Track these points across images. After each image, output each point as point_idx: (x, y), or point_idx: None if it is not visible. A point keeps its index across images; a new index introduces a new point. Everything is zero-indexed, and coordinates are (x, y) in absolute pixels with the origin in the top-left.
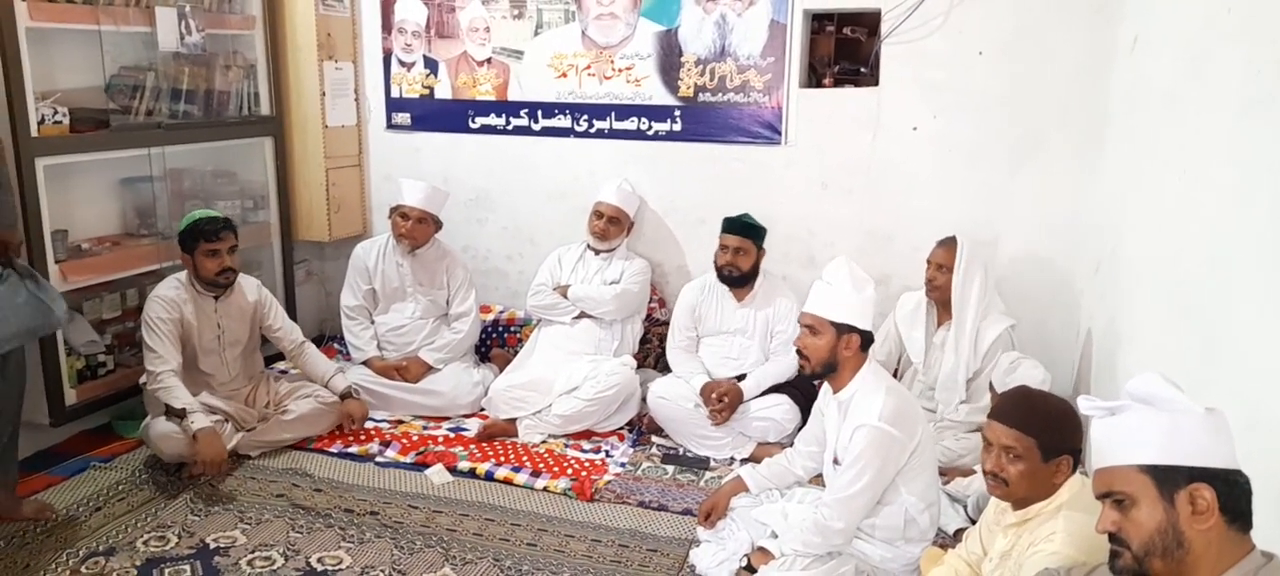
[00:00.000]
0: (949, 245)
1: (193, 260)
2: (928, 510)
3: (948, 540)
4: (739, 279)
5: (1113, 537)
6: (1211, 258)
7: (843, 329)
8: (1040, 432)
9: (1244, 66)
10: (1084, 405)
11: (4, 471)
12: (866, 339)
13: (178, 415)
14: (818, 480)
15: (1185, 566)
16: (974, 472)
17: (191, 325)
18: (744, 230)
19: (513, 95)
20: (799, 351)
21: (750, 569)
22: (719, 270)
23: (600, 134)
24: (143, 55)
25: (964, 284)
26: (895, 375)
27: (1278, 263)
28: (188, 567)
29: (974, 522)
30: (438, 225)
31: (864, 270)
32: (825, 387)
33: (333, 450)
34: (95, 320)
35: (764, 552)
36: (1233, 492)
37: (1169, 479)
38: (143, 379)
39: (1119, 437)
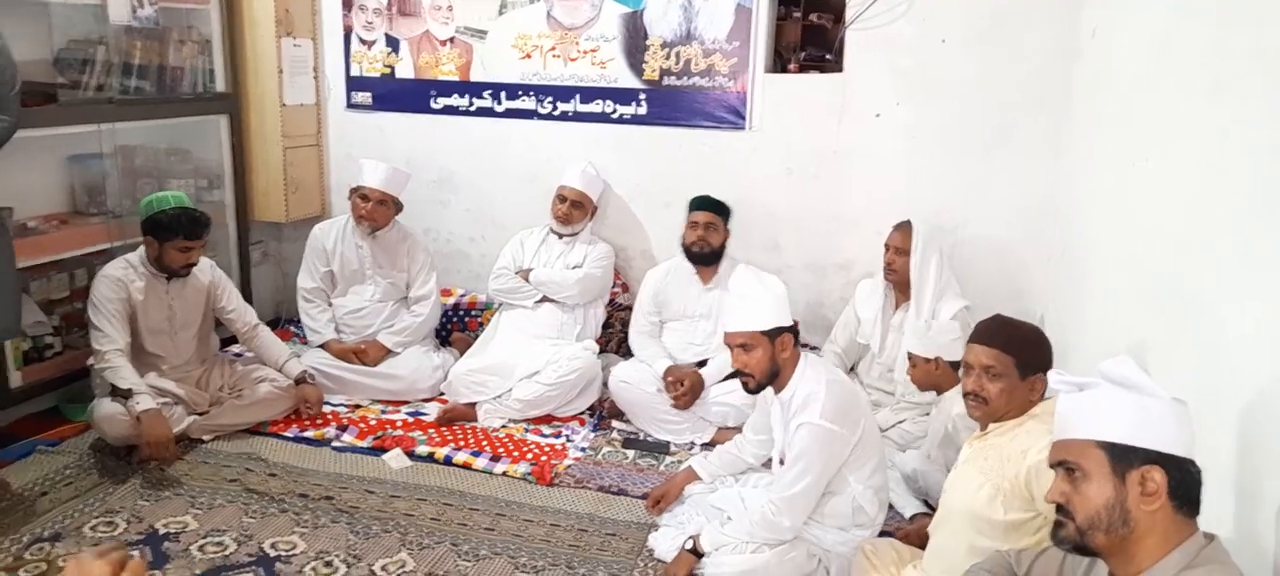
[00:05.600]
0: (905, 229)
1: (159, 247)
2: (876, 496)
3: (904, 523)
4: (708, 256)
5: (1059, 508)
6: (1174, 242)
7: (774, 333)
8: (1018, 350)
9: (1207, 50)
10: (1054, 380)
11: None
12: (796, 333)
13: (123, 396)
14: (769, 465)
15: (1128, 543)
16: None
17: (139, 305)
18: (713, 206)
19: (476, 76)
20: (740, 372)
21: (695, 552)
22: (688, 248)
23: (565, 116)
24: (93, 28)
25: (921, 265)
26: (854, 365)
27: (1239, 247)
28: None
29: (928, 506)
30: (398, 207)
31: (828, 256)
32: (768, 389)
33: (288, 434)
34: (43, 301)
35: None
36: (1184, 479)
37: (1124, 458)
38: (91, 360)
39: (1083, 412)
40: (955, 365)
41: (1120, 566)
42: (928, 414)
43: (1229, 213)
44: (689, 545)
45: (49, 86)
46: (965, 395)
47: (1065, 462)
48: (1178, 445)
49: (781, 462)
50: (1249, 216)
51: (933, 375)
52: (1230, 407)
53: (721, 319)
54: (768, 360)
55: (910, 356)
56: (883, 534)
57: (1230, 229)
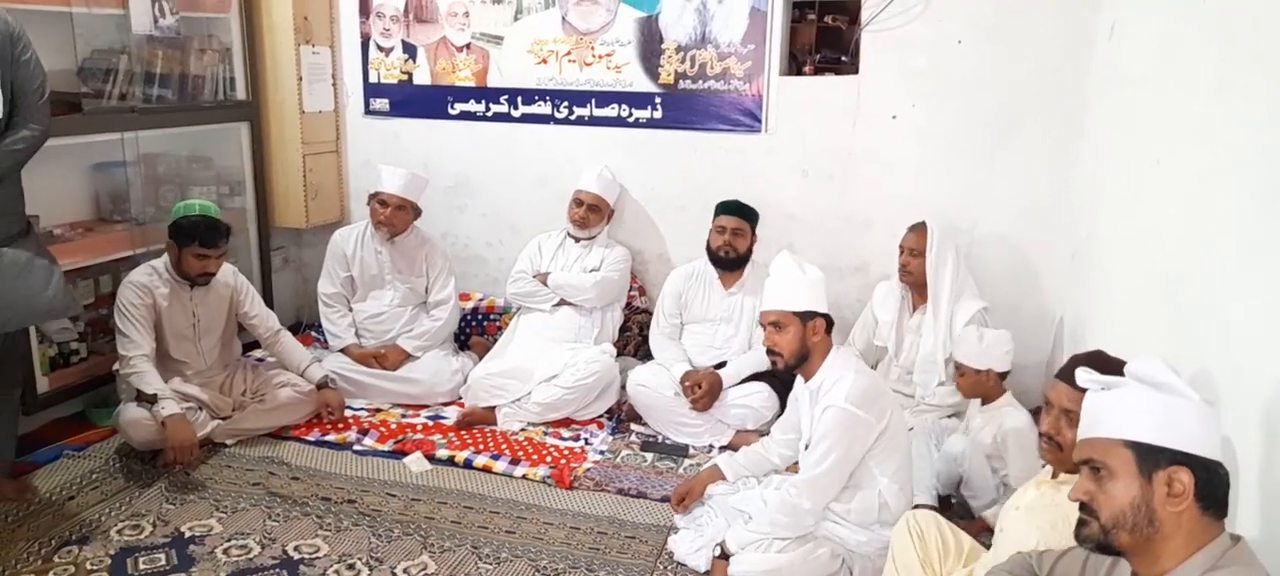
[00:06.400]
0: (920, 230)
1: (179, 252)
2: (901, 492)
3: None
4: (734, 261)
5: (1083, 506)
6: (1184, 242)
7: (806, 316)
8: None
9: (1216, 52)
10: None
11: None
12: (829, 323)
13: (149, 401)
14: (794, 468)
15: (1152, 544)
16: None
17: (163, 311)
18: (741, 211)
19: (492, 81)
20: (770, 350)
21: (724, 555)
22: (714, 252)
23: (581, 121)
24: (115, 38)
25: (937, 266)
26: (876, 364)
27: (1248, 246)
28: (162, 556)
29: (941, 498)
30: (417, 212)
31: (843, 258)
32: (799, 378)
33: (310, 438)
34: None
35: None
36: (1211, 480)
37: (1150, 458)
38: (117, 365)
39: (1111, 411)
40: (1004, 376)
41: (1144, 566)
42: (946, 417)
43: (1241, 211)
44: (717, 552)
45: (73, 96)
46: (1040, 435)
47: (1091, 461)
48: (1204, 446)
49: (807, 448)
50: (1262, 215)
51: (982, 385)
52: (1250, 406)
53: (743, 324)
54: (797, 341)
55: (959, 366)
56: None
57: (1240, 228)
